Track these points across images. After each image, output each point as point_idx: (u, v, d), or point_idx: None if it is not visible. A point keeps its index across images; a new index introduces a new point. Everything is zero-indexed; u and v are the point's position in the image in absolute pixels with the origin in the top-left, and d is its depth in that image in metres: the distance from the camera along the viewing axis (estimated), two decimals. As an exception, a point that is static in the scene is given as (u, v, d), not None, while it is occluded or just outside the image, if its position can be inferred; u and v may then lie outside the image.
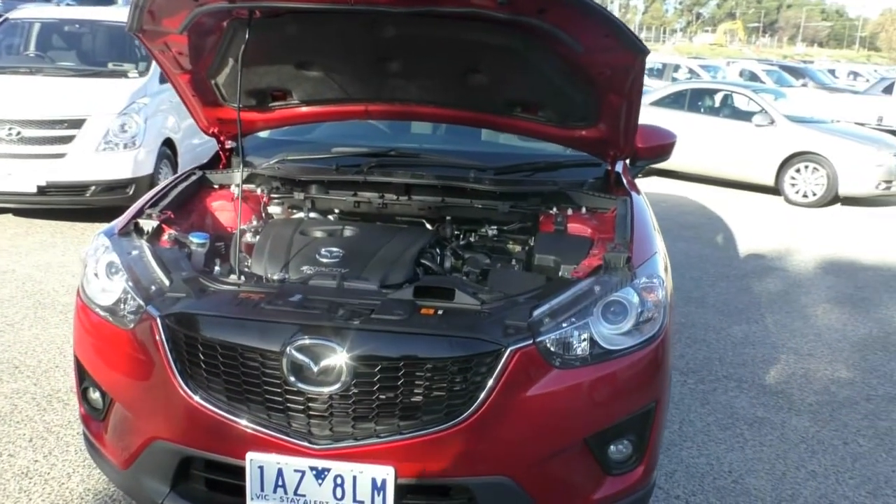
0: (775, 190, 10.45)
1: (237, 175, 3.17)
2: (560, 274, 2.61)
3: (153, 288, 2.34)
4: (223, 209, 3.10)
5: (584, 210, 3.01)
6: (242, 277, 2.47)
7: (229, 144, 3.36)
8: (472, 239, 3.03)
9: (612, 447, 2.31)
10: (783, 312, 5.64)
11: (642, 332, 2.30)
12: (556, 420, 2.18)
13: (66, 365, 4.03)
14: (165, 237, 2.68)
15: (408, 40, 2.58)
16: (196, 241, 2.67)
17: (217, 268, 2.61)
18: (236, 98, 2.98)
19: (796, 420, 3.89)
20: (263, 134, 3.49)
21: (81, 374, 2.57)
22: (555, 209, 3.01)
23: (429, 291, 2.29)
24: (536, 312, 2.21)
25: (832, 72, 28.90)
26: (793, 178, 10.21)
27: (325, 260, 2.60)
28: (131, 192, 6.66)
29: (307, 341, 2.06)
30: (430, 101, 2.93)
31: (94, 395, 2.54)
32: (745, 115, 10.77)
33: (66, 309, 4.82)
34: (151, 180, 6.83)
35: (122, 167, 6.63)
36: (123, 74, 7.29)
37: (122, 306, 2.39)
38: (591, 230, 2.90)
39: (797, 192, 10.19)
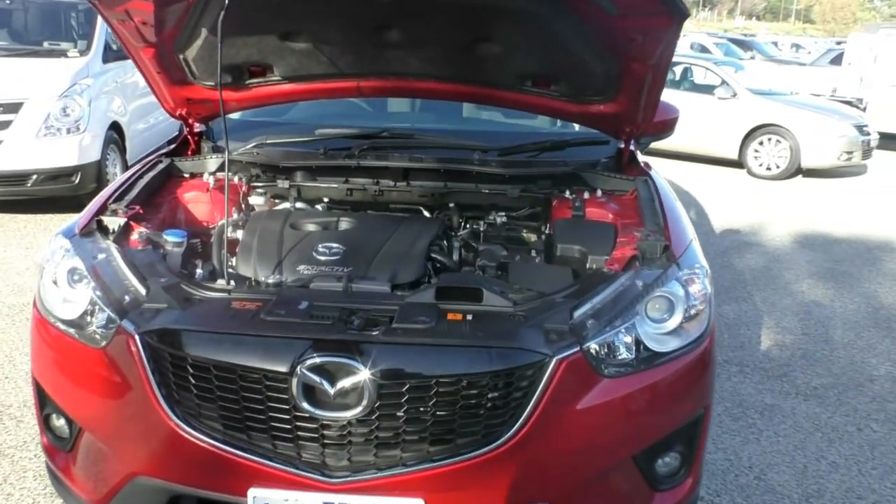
0: (736, 163, 10.38)
1: (211, 162, 2.83)
2: (588, 266, 2.35)
3: (127, 298, 2.00)
4: (197, 201, 2.74)
5: (599, 193, 2.75)
6: (232, 282, 2.13)
7: (198, 127, 2.99)
8: (480, 228, 2.73)
9: (659, 461, 2.06)
10: (769, 289, 5.51)
11: (689, 330, 2.06)
12: (604, 437, 1.92)
13: (16, 376, 3.63)
14: (135, 236, 2.32)
15: (411, 5, 2.26)
16: (172, 239, 2.32)
17: (199, 270, 2.27)
18: (208, 75, 2.64)
19: (805, 406, 3.73)
20: (234, 115, 3.12)
21: (42, 399, 2.21)
22: (568, 192, 2.74)
23: (453, 292, 2.00)
24: (577, 313, 1.94)
25: (775, 44, 29.23)
26: (756, 150, 10.15)
27: (323, 258, 2.28)
28: (77, 181, 6.23)
29: (321, 359, 1.76)
30: (431, 76, 2.61)
31: (59, 423, 2.19)
32: (706, 89, 10.66)
33: (12, 311, 4.39)
34: (99, 167, 6.39)
35: (65, 154, 6.15)
36: (62, 54, 6.75)
37: (89, 319, 2.05)
38: (613, 215, 2.64)
39: (760, 165, 10.13)
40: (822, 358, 4.34)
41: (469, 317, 1.91)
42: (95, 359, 1.98)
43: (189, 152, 2.96)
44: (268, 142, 2.88)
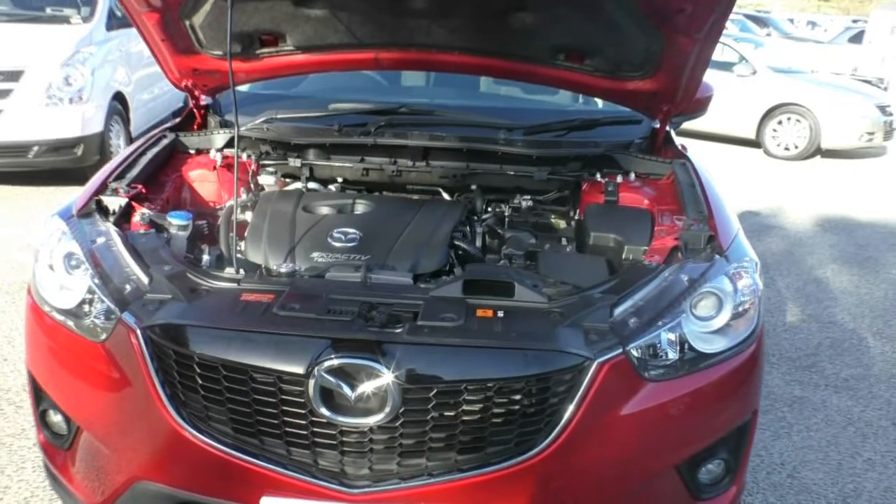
0: (753, 142, 10.13)
1: (218, 137, 2.65)
2: (624, 257, 2.18)
3: (128, 287, 1.84)
4: (203, 180, 2.57)
5: (632, 176, 2.57)
6: (241, 270, 1.97)
7: (205, 100, 2.82)
8: (505, 213, 2.55)
9: (703, 468, 1.91)
10: (793, 275, 5.34)
11: (738, 329, 1.90)
12: (646, 445, 1.77)
13: (15, 358, 3.50)
14: (137, 218, 2.16)
15: None
16: (176, 221, 2.16)
17: (206, 256, 2.11)
18: (216, 43, 2.46)
19: (836, 399, 3.58)
20: (243, 88, 2.94)
21: (38, 394, 2.06)
22: (599, 175, 2.56)
23: (482, 286, 1.83)
24: (618, 311, 1.78)
25: (791, 21, 28.71)
26: (774, 130, 9.90)
27: (339, 244, 2.11)
28: (80, 153, 6.04)
29: (340, 361, 1.60)
30: (457, 48, 2.43)
31: (56, 419, 2.04)
32: (725, 66, 10.36)
33: (12, 289, 4.25)
34: (102, 139, 6.20)
35: (68, 124, 5.96)
36: (65, 20, 6.53)
37: (87, 309, 1.89)
38: (648, 201, 2.46)
39: (779, 145, 9.89)
40: (851, 348, 4.18)
41: (500, 314, 1.75)
42: (94, 353, 1.83)
43: (195, 127, 2.79)
44: (278, 116, 2.70)
